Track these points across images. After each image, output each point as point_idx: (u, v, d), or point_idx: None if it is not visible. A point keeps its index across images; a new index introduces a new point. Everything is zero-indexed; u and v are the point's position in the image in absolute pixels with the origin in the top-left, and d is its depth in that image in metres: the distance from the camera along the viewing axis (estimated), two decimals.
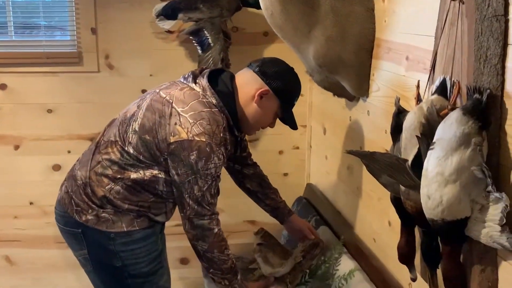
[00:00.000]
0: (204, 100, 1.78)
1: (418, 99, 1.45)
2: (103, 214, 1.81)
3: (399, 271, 1.77)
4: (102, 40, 2.65)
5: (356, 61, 1.94)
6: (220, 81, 1.85)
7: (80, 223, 1.83)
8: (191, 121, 1.73)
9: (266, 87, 1.83)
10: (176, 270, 2.45)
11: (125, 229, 1.82)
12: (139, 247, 1.85)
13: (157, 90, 1.86)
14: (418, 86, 1.48)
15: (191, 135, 1.71)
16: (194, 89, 1.81)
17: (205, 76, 1.83)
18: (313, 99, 2.78)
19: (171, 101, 1.78)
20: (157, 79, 2.71)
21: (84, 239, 1.85)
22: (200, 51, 2.58)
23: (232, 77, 1.88)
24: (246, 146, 2.10)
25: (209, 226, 1.78)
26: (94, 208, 1.81)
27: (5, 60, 2.60)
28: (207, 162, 1.72)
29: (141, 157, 1.78)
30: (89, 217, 1.81)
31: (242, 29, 2.75)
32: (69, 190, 1.87)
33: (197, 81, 1.84)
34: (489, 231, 1.17)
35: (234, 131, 1.86)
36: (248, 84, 1.85)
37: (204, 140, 1.71)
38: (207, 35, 2.54)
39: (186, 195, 1.75)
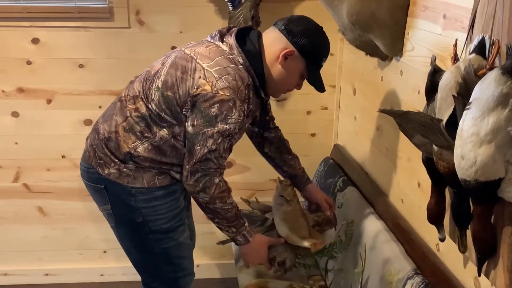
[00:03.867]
0: (230, 57, 1.76)
1: (455, 59, 1.43)
2: (124, 169, 1.83)
3: (427, 232, 1.77)
4: None
5: (390, 19, 1.90)
6: (248, 40, 1.81)
7: (103, 177, 1.86)
8: (216, 75, 1.71)
9: (291, 47, 1.78)
10: (202, 225, 2.49)
11: (146, 186, 1.84)
12: (160, 204, 1.88)
13: (183, 48, 1.85)
14: (455, 45, 1.44)
15: (215, 89, 1.70)
16: (220, 47, 1.79)
17: (232, 35, 1.80)
18: (343, 59, 2.74)
19: (195, 57, 1.77)
20: (186, 36, 2.70)
21: (107, 195, 1.89)
22: (230, 8, 2.55)
23: (260, 36, 1.84)
24: (269, 110, 2.07)
25: (211, 179, 1.75)
26: (116, 162, 1.84)
27: (38, 14, 2.61)
28: (227, 117, 1.71)
29: (163, 114, 1.78)
30: (112, 170, 1.84)
31: None
32: (93, 143, 1.90)
33: (224, 39, 1.81)
34: None
35: (260, 93, 1.83)
36: (273, 44, 1.80)
37: (228, 94, 1.70)
38: None
39: (198, 147, 1.73)
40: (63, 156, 2.81)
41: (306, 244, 1.96)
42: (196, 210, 2.06)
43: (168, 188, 1.89)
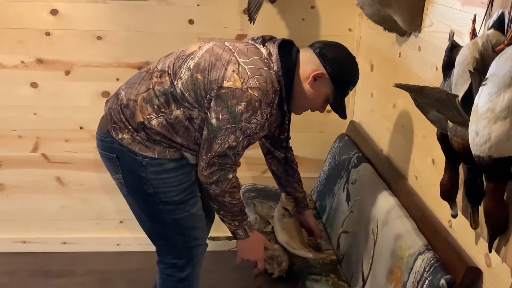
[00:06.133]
0: (266, 61, 1.81)
1: (473, 34, 1.41)
2: (137, 137, 1.87)
3: (439, 208, 1.78)
4: None
5: None
6: (287, 53, 1.85)
7: (116, 145, 1.88)
8: (249, 73, 1.75)
9: (322, 70, 1.83)
10: None
11: (157, 156, 1.87)
12: (170, 176, 1.90)
13: (223, 40, 1.89)
14: (474, 20, 1.43)
15: (245, 86, 1.73)
16: (259, 49, 1.84)
17: (276, 43, 1.85)
18: (361, 35, 2.72)
19: (233, 50, 1.81)
20: (204, 9, 2.70)
21: (119, 164, 1.92)
22: None
23: (298, 52, 1.88)
24: (287, 130, 2.08)
25: (225, 174, 1.81)
26: (129, 129, 1.87)
27: None
28: (252, 116, 1.75)
29: (186, 94, 1.81)
30: (125, 136, 1.87)
31: None
32: (110, 107, 1.93)
33: (265, 44, 1.86)
34: None
35: (283, 105, 1.87)
36: (307, 62, 1.85)
37: (257, 95, 1.74)
38: None
39: (219, 141, 1.77)
40: (81, 127, 2.85)
41: (308, 253, 2.06)
42: None
43: (179, 161, 1.91)
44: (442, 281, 1.53)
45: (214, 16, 2.71)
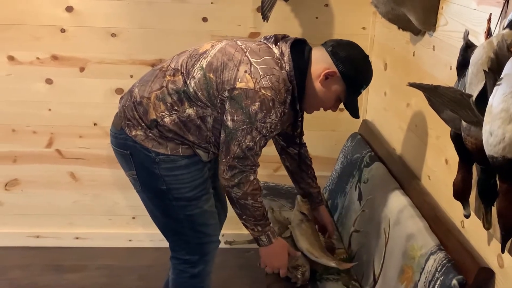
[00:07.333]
0: (278, 61, 1.81)
1: (488, 34, 1.40)
2: (150, 134, 1.88)
3: (452, 208, 1.77)
4: None
5: None
6: (300, 52, 1.85)
7: (129, 142, 1.90)
8: (261, 73, 1.76)
9: (334, 69, 1.82)
10: None
11: (169, 153, 1.88)
12: (183, 173, 1.92)
13: (235, 39, 1.90)
14: (489, 20, 1.42)
15: (258, 86, 1.74)
16: (271, 49, 1.84)
17: (288, 43, 1.85)
18: (375, 33, 2.71)
19: (245, 50, 1.81)
20: (218, 6, 2.71)
21: (132, 161, 1.93)
22: None
23: (310, 51, 1.87)
24: (299, 126, 2.08)
25: (246, 176, 1.81)
26: (143, 126, 1.89)
27: None
28: (266, 116, 1.75)
29: (199, 94, 1.82)
30: (139, 132, 1.89)
31: None
32: (124, 104, 1.95)
33: (278, 44, 1.86)
34: None
35: (295, 105, 1.87)
36: (319, 61, 1.84)
37: (270, 94, 1.74)
38: None
39: (236, 142, 1.78)
40: (95, 124, 2.87)
41: (331, 262, 2.03)
42: None
43: (192, 158, 1.92)
44: (454, 281, 1.52)
45: (227, 14, 2.71)
